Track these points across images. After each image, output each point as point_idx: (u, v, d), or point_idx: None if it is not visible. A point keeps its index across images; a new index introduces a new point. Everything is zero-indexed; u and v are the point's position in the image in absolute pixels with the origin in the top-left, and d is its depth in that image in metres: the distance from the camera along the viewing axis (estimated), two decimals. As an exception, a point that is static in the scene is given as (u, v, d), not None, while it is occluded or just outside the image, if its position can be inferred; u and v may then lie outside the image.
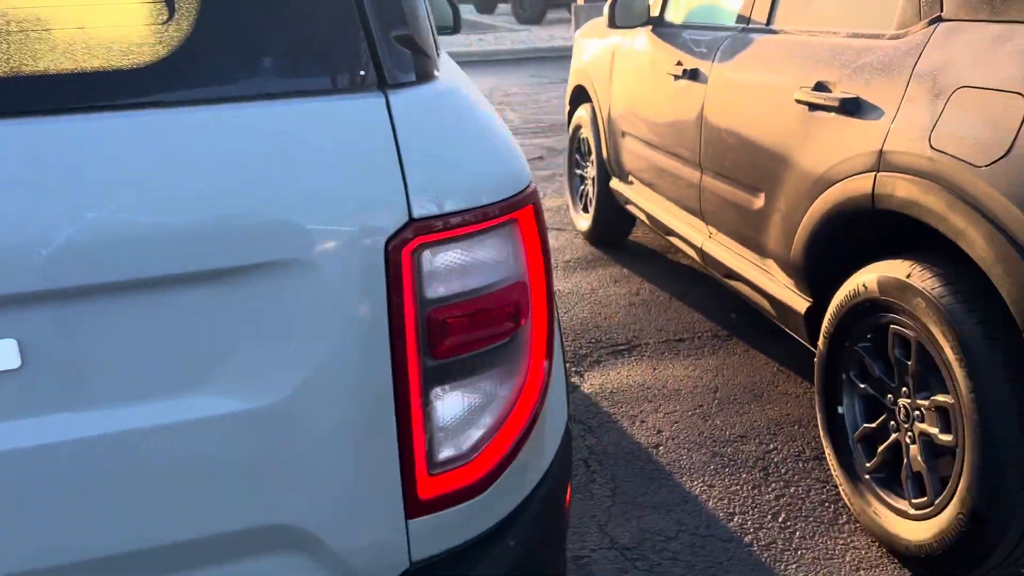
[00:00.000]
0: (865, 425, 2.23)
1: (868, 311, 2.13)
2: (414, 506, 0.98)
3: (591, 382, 3.10)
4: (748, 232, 2.73)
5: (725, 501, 2.40)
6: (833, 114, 2.21)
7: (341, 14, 0.90)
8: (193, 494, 0.88)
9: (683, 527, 2.29)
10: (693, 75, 3.05)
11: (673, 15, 3.53)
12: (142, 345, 0.83)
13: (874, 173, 2.04)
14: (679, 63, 3.18)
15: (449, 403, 0.99)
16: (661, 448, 2.67)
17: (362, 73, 0.91)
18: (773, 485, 2.46)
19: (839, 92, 2.20)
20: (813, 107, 2.30)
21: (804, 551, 2.19)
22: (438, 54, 1.09)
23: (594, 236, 4.56)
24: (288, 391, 0.88)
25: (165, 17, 0.85)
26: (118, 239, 0.80)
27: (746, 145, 2.66)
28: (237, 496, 0.89)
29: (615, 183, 4.14)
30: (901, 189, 1.94)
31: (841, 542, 2.22)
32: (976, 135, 1.77)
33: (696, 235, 3.20)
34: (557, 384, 1.32)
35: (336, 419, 0.91)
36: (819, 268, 2.39)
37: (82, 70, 0.83)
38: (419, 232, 0.90)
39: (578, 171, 4.78)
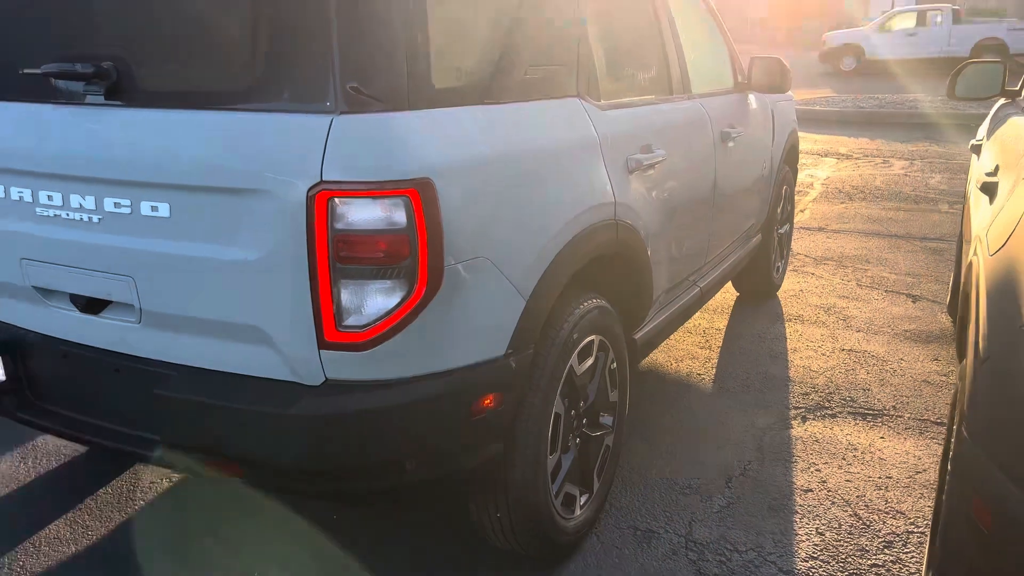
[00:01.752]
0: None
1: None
2: (323, 342, 1.77)
3: (807, 428, 3.24)
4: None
5: (815, 546, 2.49)
6: (984, 198, 2.18)
7: (319, 63, 1.72)
8: (203, 296, 1.84)
9: (760, 551, 2.49)
10: (976, 149, 2.96)
11: (1027, 90, 3.31)
12: None
13: (972, 260, 2.02)
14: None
15: (352, 291, 1.75)
16: (809, 495, 2.79)
17: (328, 104, 1.71)
18: (874, 560, 2.46)
19: (995, 177, 2.16)
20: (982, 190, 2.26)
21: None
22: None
23: (951, 310, 4.31)
24: (258, 255, 1.76)
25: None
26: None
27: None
28: (228, 302, 1.82)
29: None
30: (965, 280, 1.93)
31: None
32: (1006, 222, 1.74)
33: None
34: (482, 321, 1.93)
35: (282, 281, 1.76)
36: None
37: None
38: (327, 188, 1.68)
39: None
